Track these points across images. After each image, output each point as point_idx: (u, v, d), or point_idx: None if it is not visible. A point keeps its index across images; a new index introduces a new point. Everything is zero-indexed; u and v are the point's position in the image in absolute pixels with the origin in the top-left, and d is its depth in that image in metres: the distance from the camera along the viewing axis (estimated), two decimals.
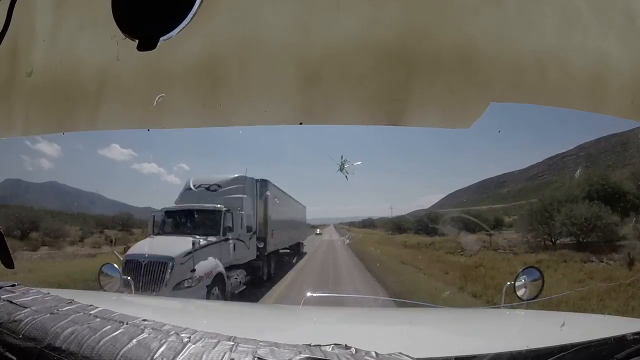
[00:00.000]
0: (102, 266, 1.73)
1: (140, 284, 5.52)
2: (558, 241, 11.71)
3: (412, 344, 0.88)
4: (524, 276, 1.42)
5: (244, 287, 7.42)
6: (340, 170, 1.93)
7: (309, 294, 1.49)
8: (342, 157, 1.97)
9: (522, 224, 13.45)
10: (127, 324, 0.47)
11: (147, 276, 5.71)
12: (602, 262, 9.74)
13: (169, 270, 5.74)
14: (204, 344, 0.42)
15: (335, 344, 0.45)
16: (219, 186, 7.58)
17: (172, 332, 0.44)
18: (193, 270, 5.87)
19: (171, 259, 5.78)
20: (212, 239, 6.54)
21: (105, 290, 1.63)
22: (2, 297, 0.56)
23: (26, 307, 0.52)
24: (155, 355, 0.40)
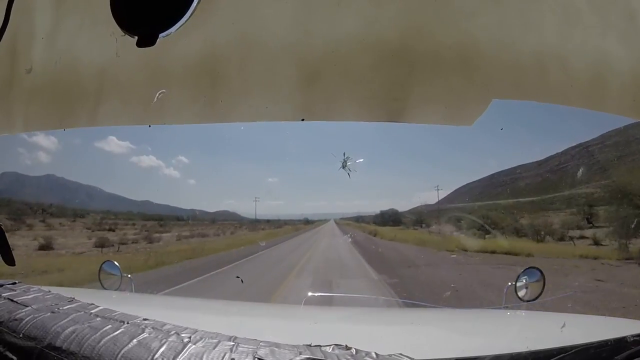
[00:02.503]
0: (103, 263, 1.70)
1: None
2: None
3: (413, 344, 0.88)
4: (525, 277, 1.40)
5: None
6: (343, 168, 1.92)
7: (310, 293, 1.49)
8: (344, 154, 1.98)
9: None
10: (127, 323, 0.47)
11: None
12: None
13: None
14: (205, 344, 0.42)
15: (336, 345, 0.45)
16: None
17: (172, 332, 0.44)
18: None
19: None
20: None
21: (105, 288, 1.62)
22: (2, 295, 0.56)
23: (27, 306, 0.52)
24: (156, 355, 0.40)
